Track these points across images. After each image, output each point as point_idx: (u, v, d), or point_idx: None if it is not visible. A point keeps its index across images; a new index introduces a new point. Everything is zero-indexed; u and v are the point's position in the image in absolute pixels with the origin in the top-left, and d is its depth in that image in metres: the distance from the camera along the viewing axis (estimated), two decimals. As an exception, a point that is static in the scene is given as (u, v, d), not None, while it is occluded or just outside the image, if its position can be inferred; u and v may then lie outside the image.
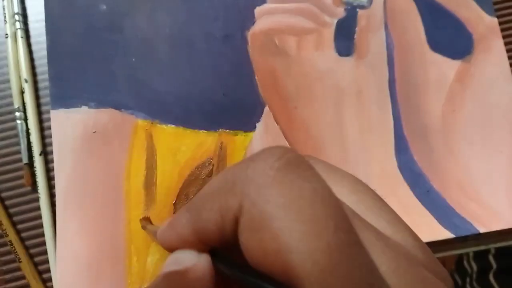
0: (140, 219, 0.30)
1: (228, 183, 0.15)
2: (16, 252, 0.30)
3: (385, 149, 0.32)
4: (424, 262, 0.15)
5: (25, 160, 0.31)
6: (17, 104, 0.32)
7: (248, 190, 0.14)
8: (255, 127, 0.32)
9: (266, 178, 0.13)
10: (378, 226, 0.15)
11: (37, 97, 0.32)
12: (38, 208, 0.31)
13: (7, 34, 0.32)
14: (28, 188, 0.31)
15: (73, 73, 0.32)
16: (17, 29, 0.32)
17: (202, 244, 0.17)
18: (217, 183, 0.16)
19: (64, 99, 0.31)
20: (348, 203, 0.15)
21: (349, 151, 0.31)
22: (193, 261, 0.16)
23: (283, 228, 0.13)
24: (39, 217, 0.30)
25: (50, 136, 0.31)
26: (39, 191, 0.31)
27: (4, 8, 0.33)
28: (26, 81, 0.32)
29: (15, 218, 0.31)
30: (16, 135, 0.31)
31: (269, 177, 0.13)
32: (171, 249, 0.18)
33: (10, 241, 0.30)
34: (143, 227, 0.29)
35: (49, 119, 0.31)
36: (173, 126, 0.31)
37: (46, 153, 0.31)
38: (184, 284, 0.16)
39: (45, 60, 0.32)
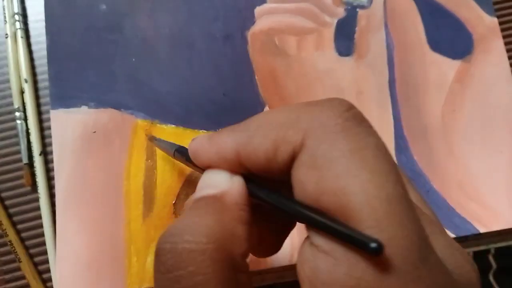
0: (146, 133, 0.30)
1: (291, 117, 0.15)
2: (16, 252, 0.30)
3: (385, 149, 0.32)
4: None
5: (25, 160, 0.31)
6: (17, 104, 0.32)
7: (315, 130, 0.14)
8: (255, 127, 0.32)
9: (334, 124, 0.14)
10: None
11: (37, 97, 0.32)
12: (38, 208, 0.31)
13: (7, 34, 0.32)
14: (28, 188, 0.31)
15: (73, 73, 0.32)
16: (17, 29, 0.32)
17: (241, 167, 0.16)
18: (276, 114, 0.16)
19: (64, 99, 0.31)
20: None
21: (349, 151, 0.31)
22: (228, 183, 0.16)
23: (347, 172, 0.13)
24: (39, 217, 0.30)
25: (50, 136, 0.31)
26: (39, 191, 0.31)
27: (4, 8, 0.33)
28: (26, 81, 0.32)
29: (15, 218, 0.31)
30: (16, 135, 0.31)
31: (338, 124, 0.14)
32: (203, 164, 0.18)
33: (10, 241, 0.30)
34: (150, 139, 0.29)
35: (49, 119, 0.31)
36: (173, 126, 0.31)
37: (46, 153, 0.31)
38: (222, 209, 0.15)
39: (45, 60, 0.32)
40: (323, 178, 0.13)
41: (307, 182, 0.14)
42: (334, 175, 0.13)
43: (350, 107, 0.15)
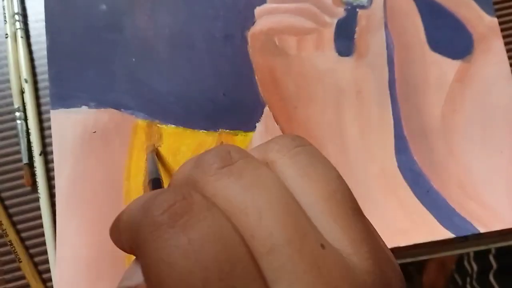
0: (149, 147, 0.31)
1: (129, 224, 0.15)
2: (16, 252, 0.30)
3: (385, 149, 0.32)
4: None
5: (25, 160, 0.31)
6: (17, 104, 0.32)
7: (138, 241, 0.13)
8: (255, 127, 0.32)
9: (148, 234, 0.13)
10: (338, 243, 0.14)
11: (37, 97, 0.32)
12: (38, 208, 0.31)
13: (7, 34, 0.32)
14: (28, 188, 0.31)
15: (73, 73, 0.32)
16: (17, 29, 0.32)
17: None
18: (128, 215, 0.15)
19: (64, 99, 0.31)
20: (314, 211, 0.14)
21: (349, 151, 0.31)
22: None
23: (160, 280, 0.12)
24: (39, 217, 0.30)
25: (50, 136, 0.31)
26: (39, 191, 0.31)
27: (4, 8, 0.33)
28: (26, 81, 0.32)
29: (15, 218, 0.31)
30: (16, 135, 0.31)
31: (150, 233, 0.13)
32: (120, 248, 0.17)
33: (10, 241, 0.30)
34: (148, 149, 0.30)
35: (49, 119, 0.31)
36: (173, 126, 0.31)
37: (46, 153, 0.31)
38: None
39: (45, 60, 0.32)
40: (150, 286, 0.13)
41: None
42: (156, 282, 0.13)
43: (173, 203, 0.13)
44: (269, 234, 0.13)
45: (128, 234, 0.15)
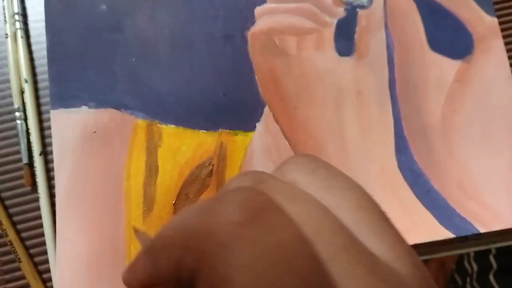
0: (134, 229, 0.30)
1: (186, 233, 0.13)
2: (16, 252, 0.30)
3: (385, 149, 0.32)
4: None
5: (25, 160, 0.31)
6: (17, 104, 0.32)
7: (206, 249, 0.12)
8: (255, 127, 0.32)
9: (225, 236, 0.12)
10: (377, 250, 0.14)
11: (37, 97, 0.32)
12: (38, 208, 0.31)
13: (7, 34, 0.32)
14: (28, 188, 0.31)
15: (73, 73, 0.32)
16: (17, 29, 0.32)
17: None
18: (178, 226, 0.14)
19: (64, 99, 0.31)
20: (348, 220, 0.14)
21: (349, 151, 0.31)
22: None
23: None
24: (39, 217, 0.30)
25: (50, 136, 0.31)
26: (39, 191, 0.31)
27: (4, 8, 0.33)
28: (26, 81, 0.32)
29: (15, 218, 0.31)
30: (16, 135, 0.31)
31: (229, 234, 0.12)
32: None
33: (10, 241, 0.30)
34: (136, 232, 0.29)
35: (49, 119, 0.31)
36: (173, 126, 0.31)
37: (46, 153, 0.31)
38: None
39: (45, 60, 0.32)
40: None
41: None
42: None
43: (247, 203, 0.13)
44: (327, 242, 0.13)
45: (178, 250, 0.13)
